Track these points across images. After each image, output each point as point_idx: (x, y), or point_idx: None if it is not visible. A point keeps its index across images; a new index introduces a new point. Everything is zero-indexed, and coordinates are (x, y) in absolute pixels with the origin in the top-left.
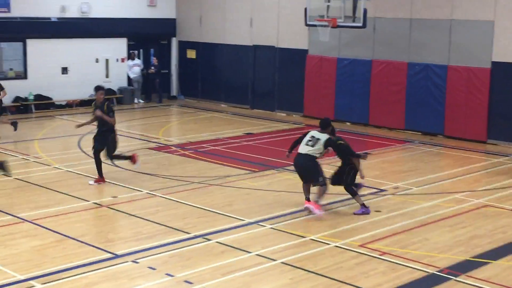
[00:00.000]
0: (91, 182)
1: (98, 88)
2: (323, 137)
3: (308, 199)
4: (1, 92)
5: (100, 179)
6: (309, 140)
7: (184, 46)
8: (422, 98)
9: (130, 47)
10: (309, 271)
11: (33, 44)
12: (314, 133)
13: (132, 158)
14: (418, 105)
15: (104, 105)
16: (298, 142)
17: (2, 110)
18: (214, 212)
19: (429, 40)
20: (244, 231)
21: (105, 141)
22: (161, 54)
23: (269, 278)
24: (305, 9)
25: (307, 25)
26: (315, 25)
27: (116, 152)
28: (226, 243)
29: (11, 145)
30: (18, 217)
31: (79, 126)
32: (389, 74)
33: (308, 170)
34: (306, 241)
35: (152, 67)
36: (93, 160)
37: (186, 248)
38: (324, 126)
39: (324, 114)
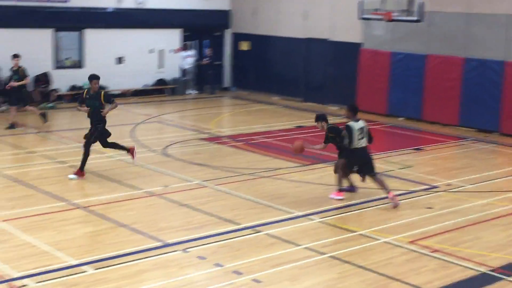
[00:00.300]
0: (72, 176)
1: (92, 77)
2: (364, 124)
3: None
4: (25, 79)
5: (82, 172)
6: (360, 133)
7: (237, 37)
8: (477, 94)
9: (183, 38)
10: (358, 266)
11: (89, 34)
12: (359, 124)
13: (130, 151)
14: (473, 101)
15: (99, 94)
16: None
17: (29, 99)
18: (264, 204)
19: (486, 35)
20: (293, 223)
21: (96, 132)
22: (214, 45)
23: (317, 271)
24: (360, 2)
25: (361, 18)
26: (369, 19)
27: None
28: (275, 235)
29: (68, 132)
30: (71, 203)
31: (78, 109)
32: (444, 69)
33: (372, 163)
34: (355, 236)
35: (205, 58)
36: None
37: (236, 239)
38: (356, 112)
39: (378, 108)
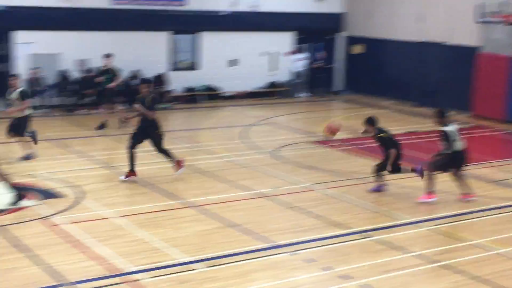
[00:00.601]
0: (122, 177)
1: (142, 81)
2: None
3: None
4: (116, 79)
5: (132, 173)
6: (454, 136)
7: (350, 41)
8: None
9: (296, 41)
10: (471, 277)
11: (205, 37)
12: (451, 128)
13: (177, 163)
14: None
15: (147, 98)
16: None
17: (111, 98)
18: (373, 209)
19: None
20: (403, 230)
21: (145, 137)
22: (326, 48)
23: (430, 279)
24: (478, 5)
25: (479, 22)
26: (488, 22)
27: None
28: (385, 240)
29: (181, 132)
30: (185, 202)
31: (125, 118)
32: None
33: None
34: (467, 245)
35: (317, 61)
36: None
37: (344, 243)
38: (444, 116)
39: (495, 114)
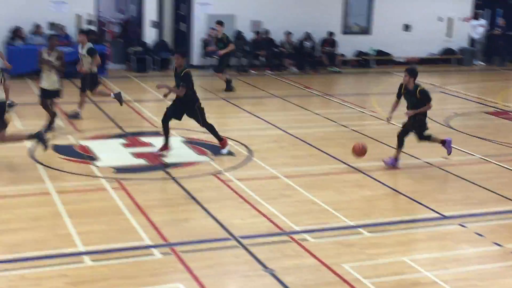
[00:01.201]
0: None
1: (176, 52)
2: None
3: None
4: (229, 46)
5: (165, 147)
6: None
7: None
8: None
9: (475, 7)
10: None
11: (379, 0)
12: None
13: (224, 143)
14: None
15: (182, 72)
16: None
17: (222, 65)
18: None
19: None
20: None
21: (182, 112)
22: (506, 15)
23: None
24: None
25: None
26: None
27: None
28: None
29: (350, 97)
30: (351, 167)
31: (160, 87)
32: None
33: None
34: None
35: (497, 28)
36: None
37: None
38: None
39: None
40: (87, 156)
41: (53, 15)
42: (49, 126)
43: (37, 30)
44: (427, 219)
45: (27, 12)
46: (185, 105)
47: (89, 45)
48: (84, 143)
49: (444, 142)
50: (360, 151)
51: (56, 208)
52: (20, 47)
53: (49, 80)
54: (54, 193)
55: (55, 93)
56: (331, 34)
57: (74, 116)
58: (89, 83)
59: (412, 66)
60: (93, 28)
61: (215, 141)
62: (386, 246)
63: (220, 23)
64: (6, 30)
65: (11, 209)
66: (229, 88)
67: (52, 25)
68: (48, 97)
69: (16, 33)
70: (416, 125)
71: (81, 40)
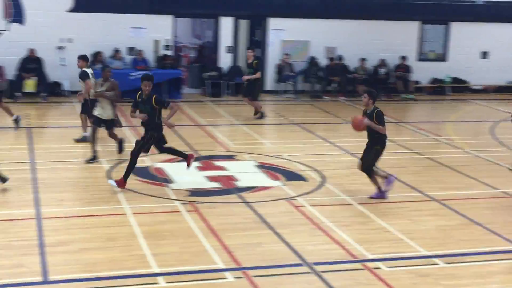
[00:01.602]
0: (111, 182)
1: (143, 78)
2: None
3: None
4: (256, 73)
5: (124, 182)
6: None
7: None
8: None
9: None
10: None
11: (456, 27)
12: None
13: (187, 158)
14: None
15: (151, 98)
16: None
17: (257, 94)
18: None
19: None
20: None
21: (151, 141)
22: None
23: None
24: None
25: None
26: None
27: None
28: None
29: (425, 124)
30: (426, 195)
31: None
32: None
33: None
34: None
35: None
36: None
37: None
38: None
39: None
40: (162, 179)
41: (132, 40)
42: (120, 149)
43: (116, 54)
44: (506, 251)
45: (108, 37)
46: (150, 132)
47: (82, 70)
48: (160, 165)
49: (386, 177)
50: (358, 124)
51: (131, 229)
52: (98, 71)
53: (103, 110)
54: (130, 214)
55: (110, 122)
56: (403, 58)
57: (82, 140)
58: (90, 107)
59: (371, 89)
60: (170, 53)
61: (288, 166)
62: (463, 277)
63: (251, 49)
64: (87, 54)
65: (88, 229)
66: (256, 114)
67: (131, 50)
68: (100, 125)
69: (96, 57)
70: (371, 155)
71: (80, 65)
